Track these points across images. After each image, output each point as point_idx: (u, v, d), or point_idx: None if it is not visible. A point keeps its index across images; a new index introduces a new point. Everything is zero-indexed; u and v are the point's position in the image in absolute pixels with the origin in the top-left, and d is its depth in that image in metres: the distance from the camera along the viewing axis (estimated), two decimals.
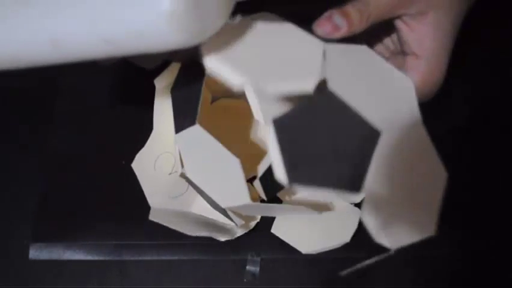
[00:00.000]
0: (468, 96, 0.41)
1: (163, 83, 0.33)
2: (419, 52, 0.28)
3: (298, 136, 0.23)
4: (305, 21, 0.30)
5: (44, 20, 0.20)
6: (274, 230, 0.35)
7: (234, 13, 0.23)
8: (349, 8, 0.26)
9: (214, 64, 0.23)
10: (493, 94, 0.42)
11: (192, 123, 0.28)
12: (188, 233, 0.32)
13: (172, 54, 0.31)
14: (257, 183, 0.31)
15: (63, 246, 0.37)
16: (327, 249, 0.34)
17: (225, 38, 0.24)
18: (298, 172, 0.22)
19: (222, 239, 0.34)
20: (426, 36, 0.27)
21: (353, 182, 0.23)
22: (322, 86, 0.24)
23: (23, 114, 0.42)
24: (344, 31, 0.26)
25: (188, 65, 0.31)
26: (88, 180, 0.39)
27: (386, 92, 0.26)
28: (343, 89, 0.24)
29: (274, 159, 0.22)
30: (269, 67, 0.24)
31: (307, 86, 0.23)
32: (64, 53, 0.21)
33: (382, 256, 0.24)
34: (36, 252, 0.37)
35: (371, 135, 0.24)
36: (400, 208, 0.25)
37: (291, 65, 0.24)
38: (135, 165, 0.31)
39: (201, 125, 0.28)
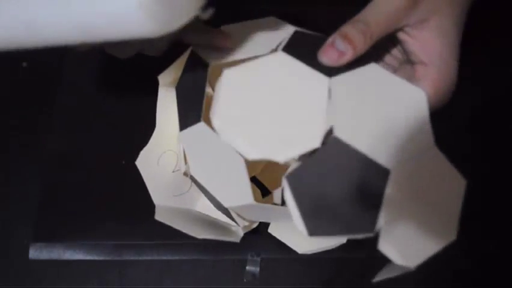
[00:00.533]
0: (468, 97, 0.41)
1: (167, 79, 0.33)
2: (426, 60, 0.27)
3: (312, 187, 0.24)
4: (302, 23, 0.30)
5: (19, 2, 0.20)
6: (271, 230, 0.35)
7: (208, 7, 0.23)
8: (351, 31, 0.26)
9: (226, 137, 0.25)
10: (493, 94, 0.42)
11: (197, 120, 0.28)
12: (194, 235, 0.31)
13: (146, 45, 0.31)
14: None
15: (63, 246, 0.37)
16: (323, 250, 0.34)
17: (229, 90, 0.26)
18: (317, 223, 0.24)
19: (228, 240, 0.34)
20: (431, 43, 0.27)
21: (367, 223, 0.24)
22: (329, 133, 0.24)
23: (23, 114, 0.42)
24: (349, 56, 0.26)
25: (192, 61, 0.31)
26: (87, 180, 0.39)
27: (397, 112, 0.26)
28: (350, 131, 0.24)
29: (293, 213, 0.24)
30: (276, 129, 0.25)
31: (314, 145, 0.24)
32: (38, 36, 0.21)
33: (405, 270, 0.25)
34: (36, 252, 0.37)
35: (381, 174, 0.24)
36: (420, 226, 0.25)
37: (296, 122, 0.25)
38: (139, 162, 0.31)
39: (206, 122, 0.27)
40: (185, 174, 0.31)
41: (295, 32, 0.29)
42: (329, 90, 0.25)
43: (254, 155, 0.24)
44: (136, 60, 0.42)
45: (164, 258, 0.37)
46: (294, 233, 0.34)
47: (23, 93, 0.42)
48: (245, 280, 0.36)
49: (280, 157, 0.24)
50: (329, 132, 0.24)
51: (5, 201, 0.39)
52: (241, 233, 0.33)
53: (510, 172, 0.39)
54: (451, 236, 0.26)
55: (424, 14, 0.26)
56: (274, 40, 0.29)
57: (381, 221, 0.24)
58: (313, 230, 0.24)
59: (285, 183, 0.24)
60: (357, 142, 0.24)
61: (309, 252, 0.34)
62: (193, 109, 0.28)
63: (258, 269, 0.36)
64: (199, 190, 0.33)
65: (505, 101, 0.41)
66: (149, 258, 0.37)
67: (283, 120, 0.25)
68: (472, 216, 0.37)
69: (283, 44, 0.28)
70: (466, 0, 0.27)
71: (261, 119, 0.25)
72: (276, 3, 0.40)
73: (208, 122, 0.27)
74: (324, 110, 0.25)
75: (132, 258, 0.37)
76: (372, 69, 0.27)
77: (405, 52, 0.29)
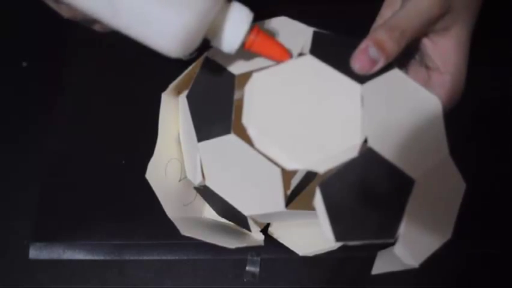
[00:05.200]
0: (468, 97, 0.41)
1: (172, 88, 0.33)
2: (443, 68, 0.28)
3: (342, 195, 0.25)
4: (317, 21, 0.30)
5: None
6: (272, 231, 0.35)
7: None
8: (385, 39, 0.25)
9: (262, 146, 0.25)
10: (493, 95, 0.41)
11: (225, 131, 0.27)
12: (226, 246, 0.31)
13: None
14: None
15: (63, 246, 0.37)
16: (324, 251, 0.34)
17: (264, 98, 0.26)
18: (343, 230, 0.25)
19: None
20: (450, 52, 0.27)
21: (391, 230, 0.25)
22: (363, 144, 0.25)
23: (23, 114, 0.42)
24: (380, 65, 0.26)
25: (209, 68, 0.30)
26: (88, 180, 0.39)
27: (418, 121, 0.26)
28: (381, 141, 0.25)
29: (322, 220, 0.25)
30: (313, 139, 0.25)
31: (353, 156, 0.25)
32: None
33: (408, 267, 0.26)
34: (36, 252, 0.37)
35: (406, 183, 0.25)
36: (424, 226, 0.26)
37: (333, 132, 0.25)
38: (149, 175, 0.30)
39: (235, 132, 0.27)
40: (194, 186, 0.31)
41: (315, 33, 0.29)
42: (362, 98, 0.25)
43: (293, 166, 0.25)
44: (136, 61, 0.42)
45: (164, 258, 0.37)
46: (295, 235, 0.34)
47: (23, 93, 0.42)
48: (245, 280, 0.36)
49: (320, 168, 0.24)
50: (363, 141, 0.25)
51: (5, 202, 0.39)
52: (262, 237, 0.33)
53: (510, 172, 0.39)
54: (448, 235, 0.26)
55: (449, 22, 0.27)
56: (296, 42, 0.28)
57: (402, 227, 0.25)
58: (339, 236, 0.25)
59: (317, 191, 0.24)
60: (387, 152, 0.25)
61: (310, 255, 0.34)
62: (219, 120, 0.28)
63: (258, 269, 0.36)
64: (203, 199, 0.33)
65: (505, 101, 0.41)
66: (149, 258, 0.37)
67: (319, 128, 0.25)
68: (472, 216, 0.37)
69: (307, 46, 0.28)
70: (479, 9, 0.28)
71: (296, 128, 0.25)
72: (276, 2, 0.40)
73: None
74: (359, 120, 0.25)
75: (132, 258, 0.37)
76: (396, 76, 0.27)
77: (421, 54, 0.29)
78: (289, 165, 0.25)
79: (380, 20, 0.32)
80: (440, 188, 0.26)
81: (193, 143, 0.29)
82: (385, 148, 0.25)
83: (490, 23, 0.40)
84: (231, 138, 0.27)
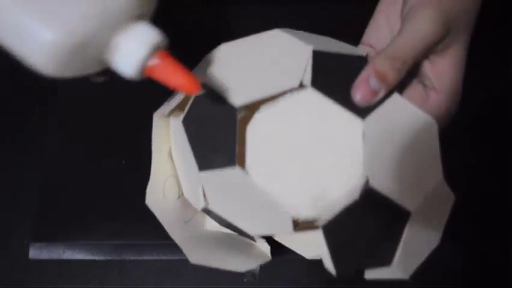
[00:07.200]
0: (469, 96, 0.41)
1: (162, 113, 0.32)
2: (440, 88, 0.27)
3: (343, 235, 0.25)
4: (313, 22, 0.29)
5: None
6: (278, 237, 0.35)
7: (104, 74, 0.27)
8: (387, 70, 0.25)
9: (263, 185, 0.25)
10: (492, 95, 0.41)
11: (230, 163, 0.26)
12: (236, 269, 0.30)
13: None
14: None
15: (63, 246, 0.37)
16: None
17: (262, 136, 0.26)
18: (345, 267, 0.26)
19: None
20: (447, 73, 0.27)
21: (387, 259, 0.26)
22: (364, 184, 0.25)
23: (23, 114, 0.42)
24: (381, 95, 0.25)
25: (208, 96, 0.28)
26: (88, 180, 0.39)
27: (417, 151, 0.26)
28: (382, 178, 0.25)
29: (325, 258, 0.25)
30: (314, 181, 0.26)
31: (354, 197, 0.25)
32: None
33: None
34: (36, 252, 0.37)
35: (403, 215, 0.26)
36: (415, 245, 0.27)
37: (334, 173, 0.26)
38: (149, 201, 0.30)
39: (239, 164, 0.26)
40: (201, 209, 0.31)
41: (315, 55, 0.27)
42: (363, 135, 0.25)
43: (297, 215, 0.26)
44: None
45: (164, 258, 0.37)
46: (301, 240, 0.34)
47: (24, 93, 0.42)
48: (245, 280, 0.36)
49: (324, 216, 0.25)
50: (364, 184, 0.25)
51: (5, 201, 0.39)
52: (268, 248, 0.33)
53: (510, 172, 0.39)
54: (436, 241, 0.27)
55: (448, 42, 0.26)
56: (296, 65, 0.27)
57: (398, 255, 0.26)
58: (342, 272, 0.26)
59: (320, 234, 0.25)
60: (387, 188, 0.25)
61: (318, 258, 0.34)
62: (223, 150, 0.26)
63: (258, 269, 0.36)
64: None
65: (506, 101, 0.41)
66: (149, 258, 0.37)
67: (322, 169, 0.25)
68: (472, 217, 0.37)
69: (307, 75, 0.26)
70: (475, 23, 0.28)
71: (298, 167, 0.25)
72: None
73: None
74: (361, 160, 0.25)
75: (132, 258, 0.37)
76: (395, 103, 0.26)
77: (419, 73, 0.29)
78: (294, 215, 0.25)
79: (366, 39, 0.31)
80: (432, 209, 0.27)
81: (192, 169, 0.29)
82: (385, 184, 0.25)
83: (489, 22, 0.40)
84: (236, 172, 0.26)
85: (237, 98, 0.26)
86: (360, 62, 0.27)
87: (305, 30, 0.30)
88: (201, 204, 0.29)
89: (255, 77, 0.27)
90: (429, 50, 0.26)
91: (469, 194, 0.37)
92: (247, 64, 0.28)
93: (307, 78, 0.26)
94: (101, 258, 0.37)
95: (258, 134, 0.26)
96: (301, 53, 0.27)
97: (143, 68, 0.24)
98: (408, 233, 0.26)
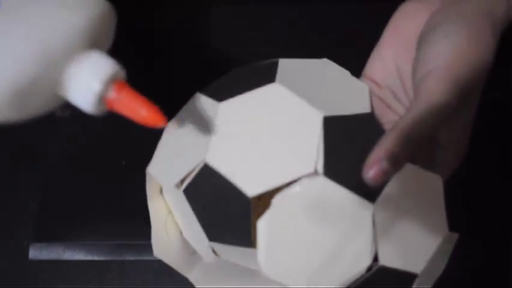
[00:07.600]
0: None
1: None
2: (447, 146, 0.27)
3: None
4: (317, 21, 0.29)
5: None
6: None
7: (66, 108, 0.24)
8: (398, 150, 0.23)
9: (272, 275, 0.25)
10: (493, 94, 0.41)
11: (245, 243, 0.25)
12: None
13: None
14: None
15: (63, 246, 0.37)
16: None
17: (281, 236, 0.25)
18: None
19: None
20: (456, 133, 0.27)
21: None
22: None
23: None
24: (391, 176, 0.23)
25: (207, 176, 0.27)
26: (88, 181, 0.39)
27: (423, 216, 0.27)
28: (391, 252, 0.25)
29: None
30: (324, 263, 0.25)
31: (362, 272, 0.25)
32: None
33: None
34: (36, 252, 0.37)
35: (410, 278, 0.26)
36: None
37: (345, 258, 0.25)
38: (157, 252, 0.30)
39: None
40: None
41: (326, 121, 0.26)
42: (373, 217, 0.25)
43: None
44: (136, 61, 0.42)
45: None
46: None
47: None
48: None
49: None
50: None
51: (5, 201, 0.39)
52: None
53: (511, 172, 0.39)
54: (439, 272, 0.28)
55: (461, 106, 0.25)
56: (306, 138, 0.26)
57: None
58: None
59: None
60: (397, 260, 0.25)
61: None
62: (236, 229, 0.26)
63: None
64: None
65: (506, 101, 0.41)
66: (149, 258, 0.37)
67: (334, 255, 0.25)
68: (471, 217, 0.37)
69: (320, 148, 0.25)
70: (484, 82, 0.27)
71: (309, 257, 0.25)
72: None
73: None
74: (370, 244, 0.25)
75: (132, 258, 0.37)
76: (404, 173, 0.25)
77: None
78: None
79: (369, 72, 0.30)
80: (436, 262, 0.28)
81: (198, 231, 0.28)
82: (395, 257, 0.25)
83: None
84: (253, 252, 0.25)
85: (250, 187, 0.25)
86: (370, 126, 0.28)
87: (305, 30, 0.30)
88: (209, 258, 0.29)
89: (265, 159, 0.26)
90: (444, 121, 0.25)
91: (469, 194, 0.37)
92: (254, 138, 0.26)
93: (320, 165, 0.25)
94: (101, 258, 0.37)
95: (271, 232, 0.25)
96: (308, 122, 0.26)
97: (102, 102, 0.22)
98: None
